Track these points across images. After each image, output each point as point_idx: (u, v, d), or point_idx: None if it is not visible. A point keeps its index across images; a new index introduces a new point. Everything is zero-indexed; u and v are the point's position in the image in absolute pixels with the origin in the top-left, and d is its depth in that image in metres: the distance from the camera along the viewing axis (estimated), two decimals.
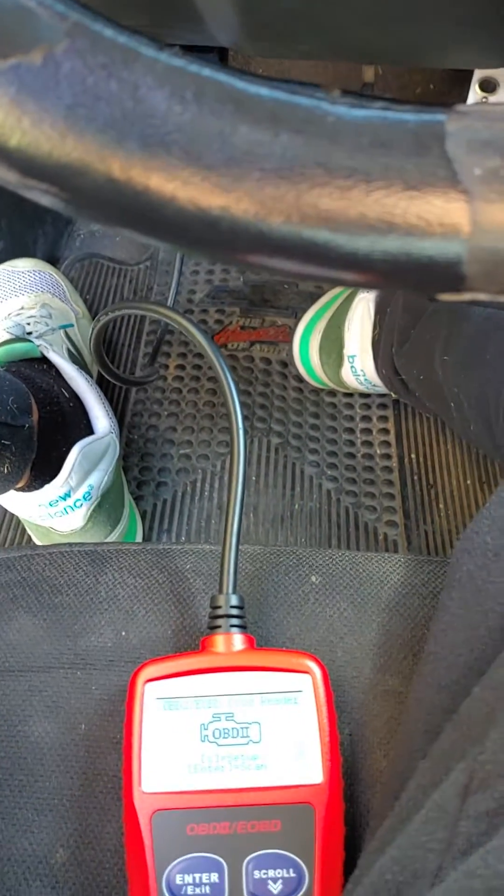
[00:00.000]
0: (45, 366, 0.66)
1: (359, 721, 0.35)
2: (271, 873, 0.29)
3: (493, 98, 0.81)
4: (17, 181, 0.16)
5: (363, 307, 0.74)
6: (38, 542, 0.69)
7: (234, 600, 0.35)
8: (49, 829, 0.33)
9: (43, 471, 0.59)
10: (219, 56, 0.96)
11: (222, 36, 0.55)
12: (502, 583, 0.31)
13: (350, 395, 0.84)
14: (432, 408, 0.69)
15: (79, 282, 0.93)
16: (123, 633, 0.37)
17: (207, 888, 0.29)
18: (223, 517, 0.76)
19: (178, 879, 0.29)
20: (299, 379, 0.84)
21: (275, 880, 0.29)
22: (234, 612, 0.34)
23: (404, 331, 0.66)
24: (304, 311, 0.83)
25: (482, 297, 0.16)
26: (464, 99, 0.81)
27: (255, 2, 0.48)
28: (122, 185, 0.15)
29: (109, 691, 0.35)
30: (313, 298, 0.84)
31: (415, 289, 0.16)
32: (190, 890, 0.29)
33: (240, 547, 0.36)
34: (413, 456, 0.80)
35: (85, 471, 0.61)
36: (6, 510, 0.75)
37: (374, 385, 0.76)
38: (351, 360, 0.75)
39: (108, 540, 0.67)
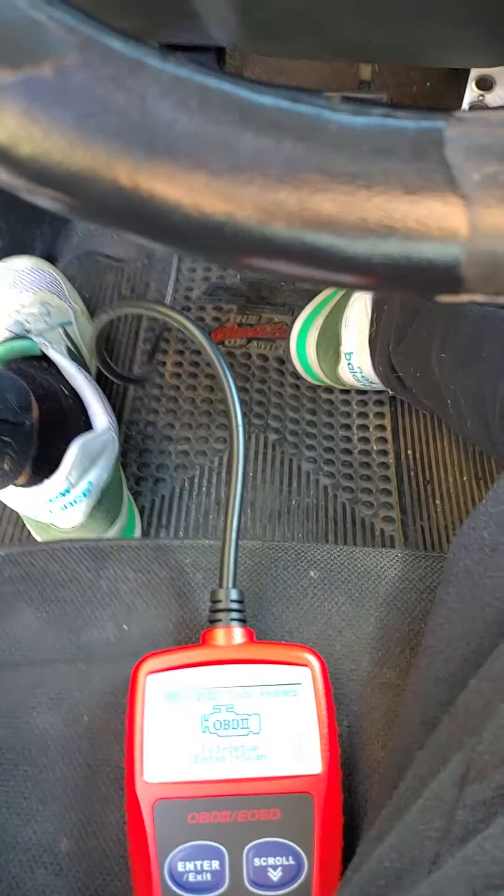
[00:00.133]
0: (44, 363, 0.67)
1: (357, 713, 0.36)
2: (271, 861, 0.30)
3: (489, 96, 0.81)
4: (26, 188, 0.16)
5: (360, 305, 0.75)
6: (37, 538, 0.69)
7: (234, 594, 0.35)
8: (53, 819, 0.33)
9: (43, 467, 0.60)
10: (216, 55, 0.96)
11: (220, 35, 0.55)
12: (499, 577, 0.32)
13: (347, 391, 0.84)
14: (429, 405, 0.69)
15: (77, 280, 0.93)
16: (125, 627, 0.38)
17: (209, 875, 0.30)
18: (221, 513, 0.77)
19: (180, 867, 0.30)
20: (296, 376, 0.85)
21: (275, 867, 0.30)
22: (235, 605, 0.35)
23: (401, 328, 0.66)
24: (301, 308, 0.84)
25: (480, 298, 0.16)
26: (460, 97, 0.82)
27: (253, 1, 0.49)
28: (129, 192, 0.15)
29: (112, 683, 0.36)
30: (310, 296, 0.85)
31: (414, 291, 0.16)
32: (191, 877, 0.30)
33: (239, 542, 0.37)
34: (409, 452, 0.80)
35: (84, 467, 0.61)
36: (6, 506, 0.75)
37: (370, 382, 0.77)
38: (348, 357, 0.76)
39: (106, 536, 0.68)
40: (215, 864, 0.30)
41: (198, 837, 0.30)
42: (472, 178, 0.15)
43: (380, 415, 0.83)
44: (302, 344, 0.81)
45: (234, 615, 0.35)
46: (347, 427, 0.82)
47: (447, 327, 0.59)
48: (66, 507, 0.61)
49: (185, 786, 0.31)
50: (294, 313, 0.85)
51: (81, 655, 0.37)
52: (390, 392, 0.79)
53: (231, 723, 0.32)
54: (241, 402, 0.83)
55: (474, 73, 0.80)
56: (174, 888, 0.30)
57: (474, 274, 0.15)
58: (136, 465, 0.80)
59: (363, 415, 0.83)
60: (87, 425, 0.66)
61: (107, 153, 0.15)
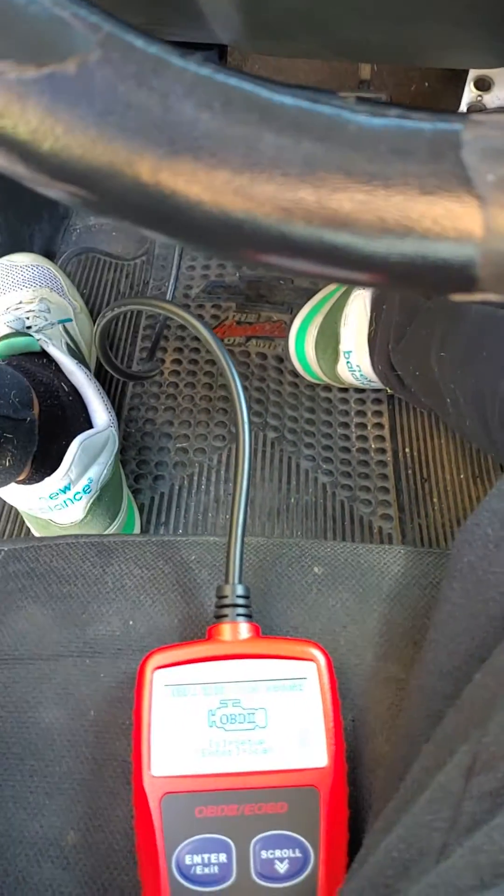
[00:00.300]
0: (44, 360, 0.67)
1: (361, 707, 0.36)
2: (278, 853, 0.30)
3: (487, 96, 0.82)
4: (45, 183, 0.16)
5: (359, 303, 0.75)
6: (36, 535, 0.70)
7: (240, 590, 0.35)
8: (60, 813, 0.33)
9: (43, 464, 0.60)
10: (218, 53, 0.96)
11: (223, 34, 0.55)
12: (502, 573, 0.32)
13: (345, 390, 0.85)
14: (428, 403, 0.70)
15: (76, 276, 0.93)
16: (131, 623, 0.38)
17: (216, 868, 0.30)
18: (220, 510, 0.77)
19: (188, 860, 0.30)
20: (295, 374, 0.85)
21: (281, 860, 0.30)
22: (241, 601, 0.35)
23: (400, 327, 0.66)
24: (300, 306, 0.84)
25: (493, 297, 0.17)
26: (459, 97, 0.82)
27: (256, 1, 0.49)
28: (151, 189, 0.16)
29: (118, 678, 0.36)
30: (309, 294, 0.85)
31: (429, 289, 0.17)
32: (199, 870, 0.30)
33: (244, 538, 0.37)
34: (407, 450, 0.81)
35: (85, 464, 0.62)
36: (6, 502, 0.75)
37: (369, 380, 0.77)
38: (347, 355, 0.76)
39: (106, 532, 0.68)
40: (223, 857, 0.30)
41: (205, 831, 0.31)
42: (488, 180, 0.15)
43: (378, 413, 0.83)
44: (301, 342, 0.81)
45: (240, 610, 0.35)
46: (346, 425, 0.83)
47: (447, 326, 0.59)
48: (66, 503, 0.62)
49: (193, 780, 0.31)
50: (293, 312, 0.86)
51: (87, 650, 0.37)
52: (388, 391, 0.80)
53: (238, 717, 0.32)
54: None
55: (473, 73, 0.81)
56: (182, 881, 0.30)
57: (488, 273, 0.16)
58: (135, 463, 0.80)
59: (361, 413, 0.84)
60: (87, 422, 0.66)
61: (129, 150, 0.15)
